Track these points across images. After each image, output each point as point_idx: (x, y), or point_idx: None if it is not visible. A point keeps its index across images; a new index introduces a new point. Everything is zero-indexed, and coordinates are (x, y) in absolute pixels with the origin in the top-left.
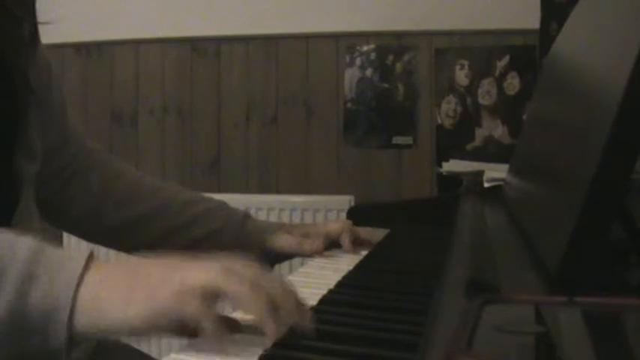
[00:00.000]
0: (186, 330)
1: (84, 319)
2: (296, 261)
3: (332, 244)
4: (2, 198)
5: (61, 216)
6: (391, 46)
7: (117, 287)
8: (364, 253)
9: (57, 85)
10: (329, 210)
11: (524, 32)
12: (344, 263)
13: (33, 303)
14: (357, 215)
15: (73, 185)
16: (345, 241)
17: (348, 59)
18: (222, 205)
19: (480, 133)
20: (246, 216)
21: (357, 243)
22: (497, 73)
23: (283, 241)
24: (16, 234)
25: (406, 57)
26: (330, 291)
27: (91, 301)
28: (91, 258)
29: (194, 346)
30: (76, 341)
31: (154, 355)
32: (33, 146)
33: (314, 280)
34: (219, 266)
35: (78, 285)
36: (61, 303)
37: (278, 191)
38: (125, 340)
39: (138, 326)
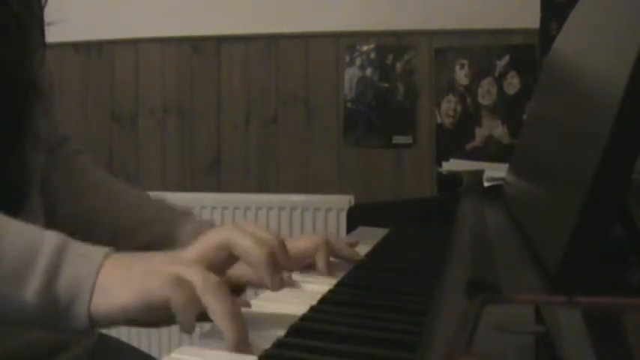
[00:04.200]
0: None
1: (97, 304)
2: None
3: (305, 264)
4: (15, 188)
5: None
6: (391, 46)
7: (123, 273)
8: (340, 275)
9: (48, 71)
10: (329, 210)
11: (524, 32)
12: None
13: (59, 288)
14: (357, 215)
15: (44, 175)
16: (320, 261)
17: (348, 59)
18: (182, 214)
19: (480, 133)
20: (204, 224)
21: (336, 256)
22: (497, 72)
23: (241, 270)
24: (42, 228)
25: (406, 57)
26: (330, 291)
27: (104, 286)
28: (111, 250)
29: (194, 346)
30: (95, 324)
31: (154, 354)
32: (38, 136)
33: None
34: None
35: (97, 273)
36: (83, 288)
37: (278, 191)
38: (125, 339)
39: (132, 308)
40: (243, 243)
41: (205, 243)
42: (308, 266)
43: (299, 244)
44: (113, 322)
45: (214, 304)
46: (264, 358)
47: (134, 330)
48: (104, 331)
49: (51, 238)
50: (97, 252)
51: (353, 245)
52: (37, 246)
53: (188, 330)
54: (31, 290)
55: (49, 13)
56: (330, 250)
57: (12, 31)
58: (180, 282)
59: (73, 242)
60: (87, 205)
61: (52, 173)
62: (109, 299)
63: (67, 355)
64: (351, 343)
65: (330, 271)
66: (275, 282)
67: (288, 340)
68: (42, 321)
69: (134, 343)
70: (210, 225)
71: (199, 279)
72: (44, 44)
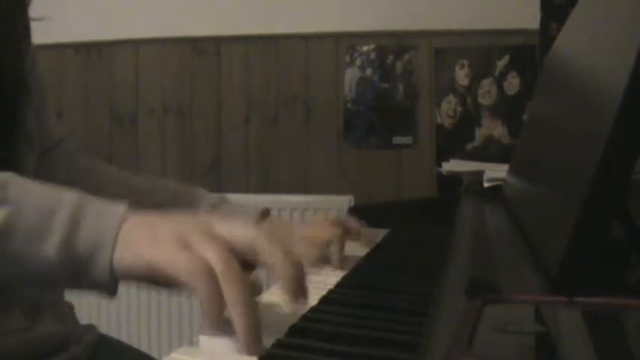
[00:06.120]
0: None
1: (120, 257)
2: None
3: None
4: None
5: None
6: (391, 46)
7: (148, 229)
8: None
9: (39, 73)
10: (329, 210)
11: (524, 32)
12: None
13: (80, 241)
14: (357, 215)
15: (40, 175)
16: (334, 255)
17: (348, 59)
18: (195, 190)
19: (480, 133)
20: (221, 199)
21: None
22: (497, 72)
23: None
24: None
25: (406, 57)
26: (330, 291)
27: (127, 239)
28: (129, 206)
29: (194, 346)
30: (117, 278)
31: (154, 355)
32: (30, 136)
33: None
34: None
35: (119, 225)
36: (106, 241)
37: (278, 191)
38: (125, 339)
39: (154, 265)
40: (273, 258)
41: (238, 233)
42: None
43: (314, 234)
44: (135, 276)
45: (233, 294)
46: (264, 358)
47: (134, 330)
48: (104, 331)
49: (70, 194)
50: (117, 206)
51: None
52: (56, 200)
53: (209, 324)
54: (51, 244)
55: (41, 11)
56: (347, 233)
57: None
58: (204, 270)
59: (92, 198)
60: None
61: (56, 171)
62: (133, 252)
63: (67, 354)
64: (351, 343)
65: (343, 264)
66: (295, 303)
67: (288, 340)
68: (63, 277)
69: (134, 343)
70: (225, 200)
71: (221, 264)
72: (30, 41)
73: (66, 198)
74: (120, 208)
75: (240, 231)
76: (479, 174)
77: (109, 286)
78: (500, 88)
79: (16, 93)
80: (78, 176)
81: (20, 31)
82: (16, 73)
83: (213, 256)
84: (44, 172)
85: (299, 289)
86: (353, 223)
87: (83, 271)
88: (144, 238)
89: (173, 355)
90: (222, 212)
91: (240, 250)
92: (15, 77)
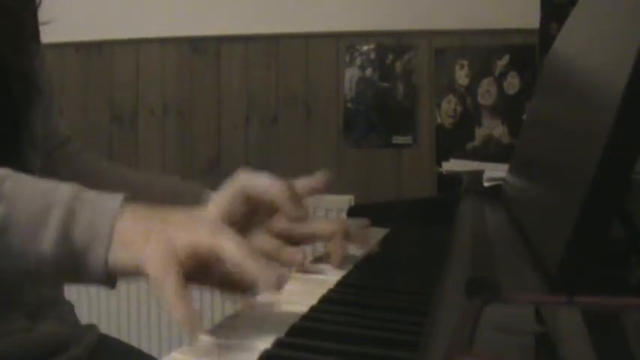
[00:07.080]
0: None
1: (114, 253)
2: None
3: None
4: None
5: None
6: (391, 46)
7: (141, 226)
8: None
9: (48, 74)
10: (329, 210)
11: (523, 32)
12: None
13: (76, 235)
14: (356, 215)
15: (44, 176)
16: (334, 254)
17: (348, 59)
18: (195, 187)
19: (480, 133)
20: None
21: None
22: (497, 72)
23: (260, 242)
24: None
25: (406, 56)
26: (330, 290)
27: (121, 237)
28: (127, 198)
29: (194, 346)
30: (112, 274)
31: (154, 355)
32: (36, 137)
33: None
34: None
35: (114, 220)
36: (100, 237)
37: None
38: (125, 339)
39: (141, 266)
40: (260, 183)
41: (223, 196)
42: (320, 258)
43: (317, 224)
44: (129, 273)
45: (233, 254)
46: (264, 358)
47: (134, 330)
48: (104, 331)
49: (65, 188)
50: (113, 199)
51: (364, 226)
52: (51, 195)
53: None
54: (47, 239)
55: (45, 12)
56: (345, 234)
57: (7, 28)
58: (164, 269)
59: (87, 191)
60: None
61: (59, 171)
62: (126, 251)
63: (67, 354)
64: (351, 343)
65: (341, 263)
66: (299, 211)
67: (288, 340)
68: (60, 271)
69: (134, 343)
70: None
71: (222, 243)
72: (39, 42)
73: (61, 192)
74: (116, 201)
75: (227, 192)
76: (479, 174)
77: (106, 280)
78: (500, 88)
79: (24, 95)
80: (82, 177)
81: (28, 32)
82: (23, 75)
83: (208, 242)
84: (49, 173)
85: (296, 199)
86: (354, 227)
87: (80, 265)
88: (137, 235)
89: (173, 354)
90: None
91: (236, 207)
92: (22, 79)
